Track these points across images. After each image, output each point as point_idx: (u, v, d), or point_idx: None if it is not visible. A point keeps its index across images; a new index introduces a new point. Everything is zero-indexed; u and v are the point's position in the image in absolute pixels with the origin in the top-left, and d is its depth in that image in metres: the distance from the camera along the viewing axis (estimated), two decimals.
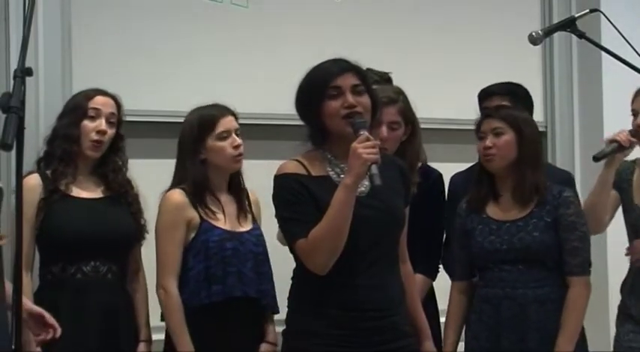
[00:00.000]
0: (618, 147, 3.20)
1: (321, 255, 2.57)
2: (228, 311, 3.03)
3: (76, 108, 3.13)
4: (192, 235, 3.08)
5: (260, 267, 3.10)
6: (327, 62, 2.71)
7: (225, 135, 3.13)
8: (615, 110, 4.36)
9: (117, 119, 3.17)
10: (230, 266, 3.04)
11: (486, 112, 3.26)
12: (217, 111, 3.17)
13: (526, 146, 3.09)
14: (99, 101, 3.14)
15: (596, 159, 3.20)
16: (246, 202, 3.20)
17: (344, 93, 2.63)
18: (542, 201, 3.08)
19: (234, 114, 3.19)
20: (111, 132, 3.13)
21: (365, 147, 2.51)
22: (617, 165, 3.26)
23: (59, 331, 2.51)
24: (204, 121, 3.15)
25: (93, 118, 3.11)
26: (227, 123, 3.14)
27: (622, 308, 3.36)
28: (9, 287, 2.21)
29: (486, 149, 3.11)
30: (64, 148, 3.09)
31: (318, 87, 2.65)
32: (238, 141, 3.13)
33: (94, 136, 3.10)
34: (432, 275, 3.29)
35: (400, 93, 3.27)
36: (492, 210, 3.15)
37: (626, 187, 3.37)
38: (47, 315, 2.47)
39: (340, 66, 2.67)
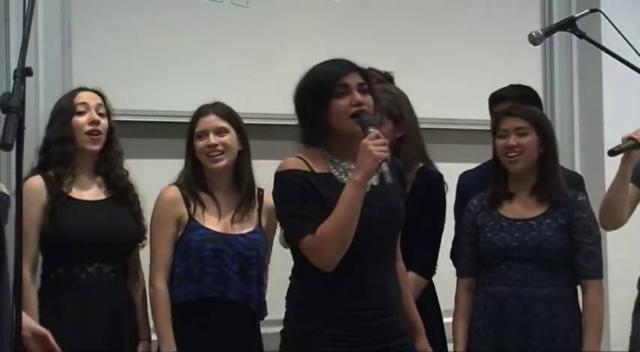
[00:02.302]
0: (634, 144, 3.19)
1: (329, 251, 2.55)
2: (203, 311, 3.04)
3: (63, 109, 3.13)
4: (181, 233, 3.09)
5: (248, 271, 3.07)
6: (329, 62, 2.70)
7: (200, 135, 3.13)
8: (615, 110, 4.37)
9: (105, 111, 3.17)
10: (209, 267, 3.03)
11: (508, 110, 3.23)
12: (202, 110, 3.16)
13: (548, 146, 3.11)
14: (84, 96, 3.15)
15: (611, 153, 3.20)
16: (254, 204, 3.17)
17: (351, 92, 2.62)
18: (557, 203, 3.09)
19: (223, 112, 3.15)
20: (104, 122, 3.14)
21: (376, 145, 2.50)
22: (635, 162, 3.24)
23: None
24: (191, 121, 3.17)
25: (82, 113, 3.12)
26: (205, 123, 3.13)
27: (639, 303, 3.36)
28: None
29: (511, 148, 3.10)
30: (59, 151, 3.09)
31: (325, 85, 2.63)
32: (212, 140, 3.10)
33: (88, 128, 3.10)
34: (427, 274, 3.27)
35: (386, 92, 3.22)
36: (504, 209, 3.15)
37: None
38: (51, 338, 2.47)
39: (345, 65, 2.67)
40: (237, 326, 3.06)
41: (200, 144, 3.12)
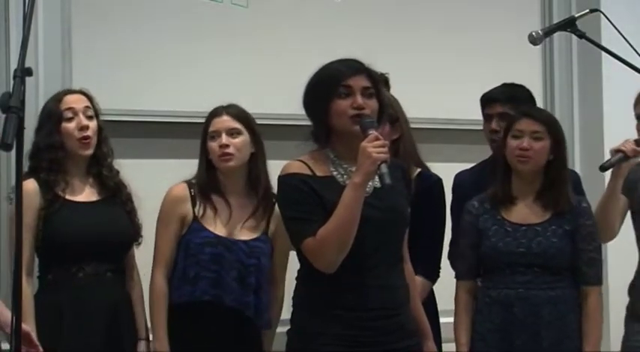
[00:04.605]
0: (624, 157, 3.18)
1: (330, 253, 2.57)
2: (198, 314, 3.04)
3: (51, 115, 3.10)
4: (184, 232, 3.10)
5: (246, 278, 3.07)
6: (339, 61, 2.71)
7: (213, 135, 3.13)
8: (615, 110, 4.37)
9: (94, 112, 3.15)
10: (206, 271, 3.03)
11: (525, 112, 3.20)
12: (216, 111, 3.17)
13: (559, 152, 3.11)
14: (70, 100, 3.12)
15: (602, 168, 3.19)
16: (271, 207, 3.14)
17: (354, 94, 2.63)
18: (562, 209, 3.09)
19: (236, 113, 3.16)
20: (93, 125, 3.11)
21: (374, 147, 2.51)
22: (625, 175, 3.23)
23: (40, 350, 2.53)
24: (205, 122, 3.17)
25: (70, 119, 3.09)
26: (217, 123, 3.14)
27: (630, 310, 3.36)
28: (7, 313, 2.20)
29: (523, 150, 3.09)
30: (49, 158, 3.07)
31: (328, 84, 2.65)
32: (224, 140, 3.10)
33: (79, 134, 3.08)
34: (433, 277, 3.28)
35: None
36: (507, 212, 3.14)
37: (634, 190, 3.35)
38: (33, 335, 2.47)
39: (353, 66, 2.67)
40: (232, 331, 3.06)
41: (212, 144, 3.12)
